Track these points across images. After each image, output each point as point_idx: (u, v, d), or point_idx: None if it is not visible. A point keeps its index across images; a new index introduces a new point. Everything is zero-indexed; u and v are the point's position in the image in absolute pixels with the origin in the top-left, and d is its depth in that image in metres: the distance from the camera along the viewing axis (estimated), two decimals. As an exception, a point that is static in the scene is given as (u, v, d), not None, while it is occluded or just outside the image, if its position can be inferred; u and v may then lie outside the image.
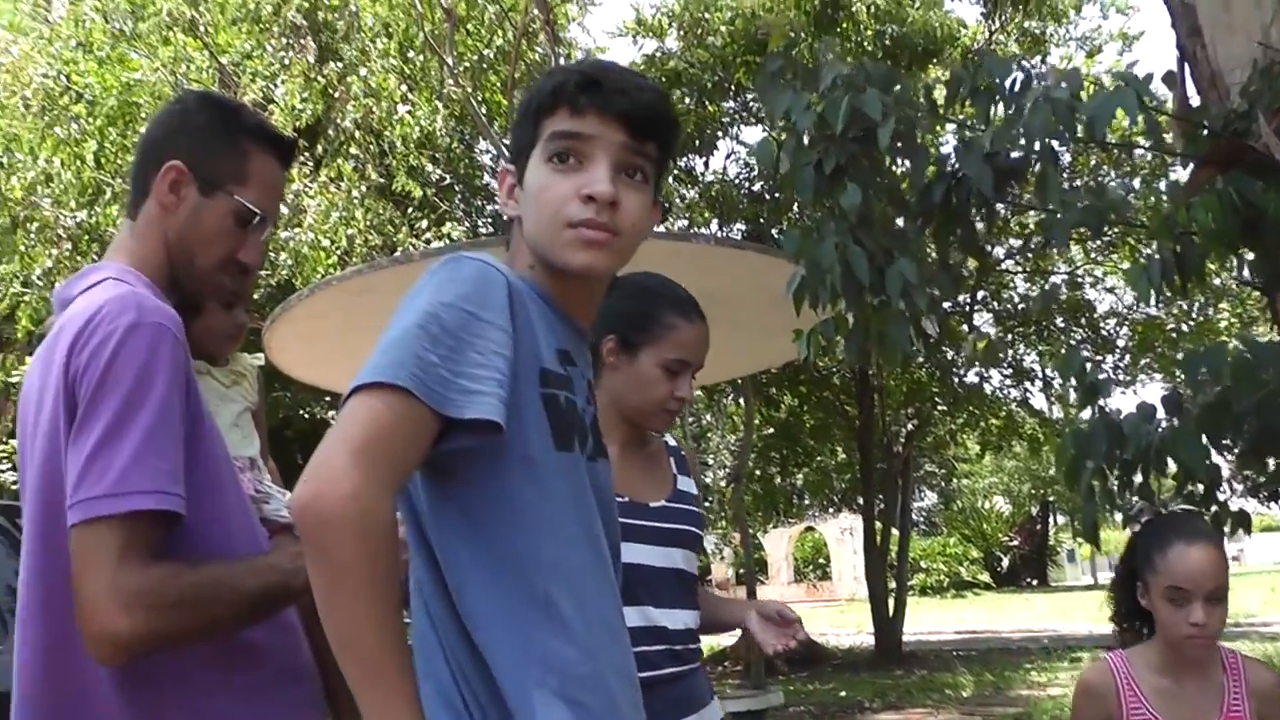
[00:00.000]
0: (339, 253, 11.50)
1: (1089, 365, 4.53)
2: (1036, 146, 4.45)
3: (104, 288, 1.86)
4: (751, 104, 16.93)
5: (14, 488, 13.91)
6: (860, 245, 4.88)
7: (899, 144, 4.88)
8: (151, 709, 1.78)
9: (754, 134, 19.10)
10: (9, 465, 13.97)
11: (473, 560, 1.55)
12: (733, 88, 16.31)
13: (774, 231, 16.50)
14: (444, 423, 1.48)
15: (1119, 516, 4.48)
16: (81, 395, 1.73)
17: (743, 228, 16.78)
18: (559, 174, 1.66)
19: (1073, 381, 4.52)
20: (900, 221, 5.38)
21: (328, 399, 14.87)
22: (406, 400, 1.44)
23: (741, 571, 42.71)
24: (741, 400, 20.18)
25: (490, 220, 18.90)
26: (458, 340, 1.50)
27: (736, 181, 17.33)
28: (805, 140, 4.89)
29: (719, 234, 15.06)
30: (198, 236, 1.98)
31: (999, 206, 5.45)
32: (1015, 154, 4.61)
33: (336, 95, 12.21)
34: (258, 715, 1.86)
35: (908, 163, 5.01)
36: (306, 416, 15.33)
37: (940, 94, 4.91)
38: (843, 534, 39.69)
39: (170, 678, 1.78)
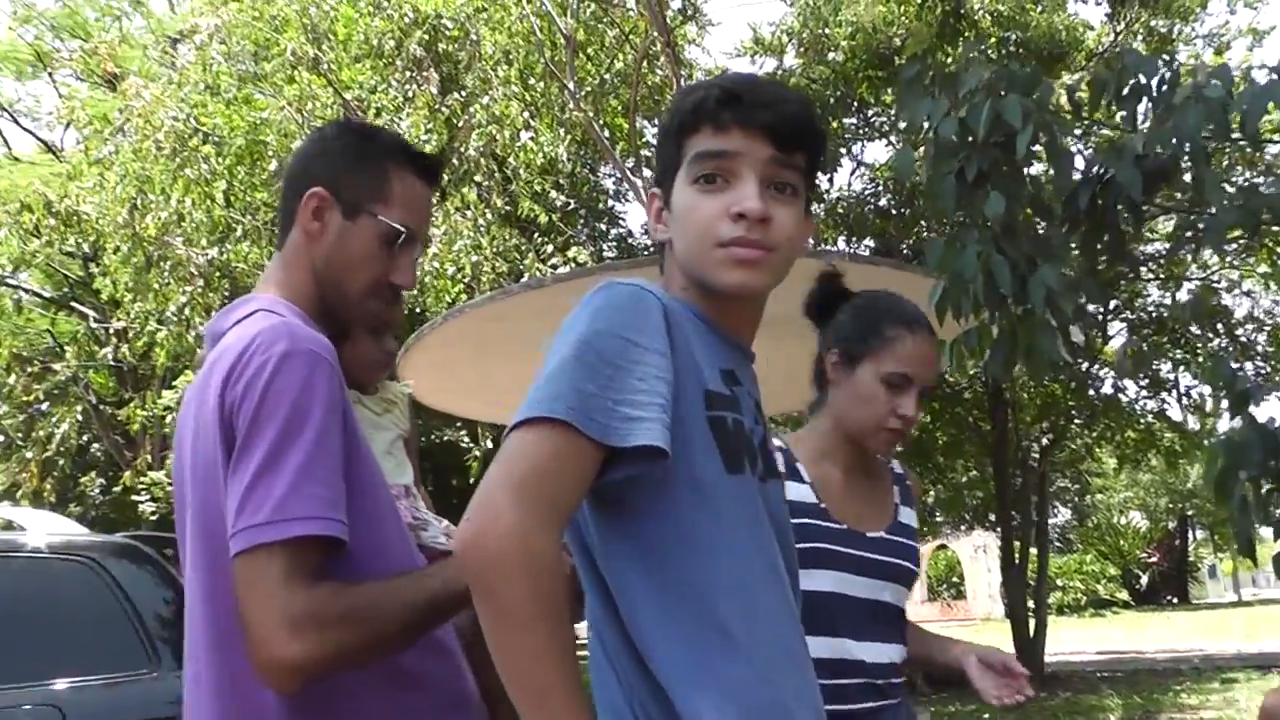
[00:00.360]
0: (465, 280, 11.74)
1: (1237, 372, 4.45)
2: (1187, 147, 4.39)
3: (255, 319, 1.89)
4: (874, 119, 16.91)
5: (152, 518, 14.43)
6: (1003, 254, 4.87)
7: (1040, 149, 4.87)
8: None
9: (876, 150, 19.02)
10: (149, 498, 14.46)
11: (645, 588, 1.54)
12: (855, 103, 16.30)
13: (903, 247, 16.41)
14: (608, 453, 1.47)
15: (1268, 531, 4.38)
16: (239, 426, 1.76)
17: (870, 244, 16.72)
18: (706, 194, 1.66)
19: (1221, 389, 4.45)
20: (1044, 228, 5.36)
21: (460, 426, 15.15)
22: (567, 433, 1.45)
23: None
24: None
25: (615, 244, 19.11)
26: (616, 368, 1.50)
27: (863, 197, 17.29)
28: (945, 148, 4.91)
29: (848, 250, 15.04)
30: (344, 261, 2.00)
31: (1145, 210, 5.39)
32: (1163, 155, 4.57)
33: (460, 125, 12.51)
34: None
35: (1050, 168, 5.00)
36: (439, 442, 15.64)
37: (1083, 96, 4.86)
38: (976, 552, 39.07)
39: (340, 706, 1.79)
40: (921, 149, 5.10)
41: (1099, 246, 5.28)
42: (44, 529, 5.26)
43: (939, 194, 4.95)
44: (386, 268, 2.00)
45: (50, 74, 20.41)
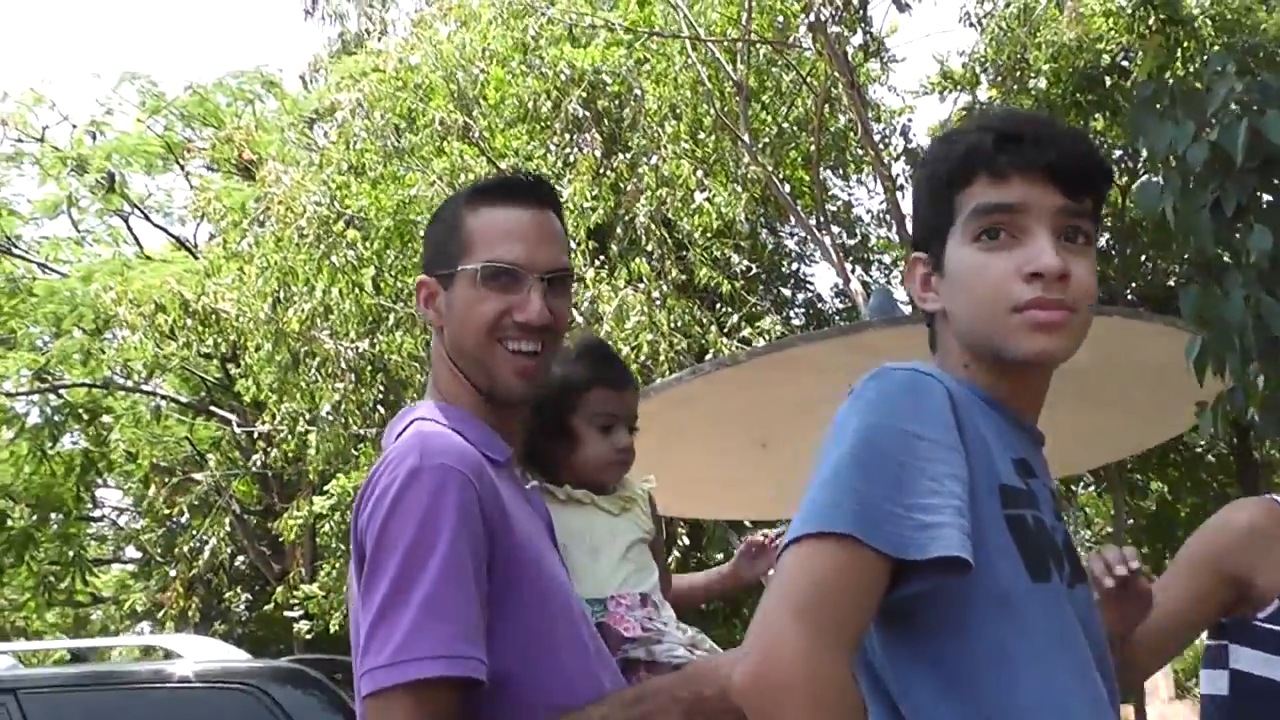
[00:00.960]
0: (642, 361, 11.87)
1: None
2: None
3: (407, 434, 1.99)
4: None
5: (307, 636, 14.81)
6: (1274, 296, 4.73)
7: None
8: None
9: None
10: (302, 614, 14.85)
11: (944, 711, 1.51)
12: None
13: (1126, 293, 16.06)
14: (898, 565, 1.44)
15: None
16: (368, 554, 1.85)
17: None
18: (991, 253, 1.61)
19: None
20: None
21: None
22: (851, 547, 1.42)
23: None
24: (1101, 490, 19.53)
25: (803, 311, 19.12)
26: (901, 467, 1.46)
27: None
28: (1197, 177, 4.81)
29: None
30: (460, 329, 2.08)
31: None
32: None
33: (627, 188, 12.72)
34: None
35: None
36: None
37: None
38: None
39: None
40: (1165, 178, 5.00)
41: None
42: (200, 655, 5.44)
43: (1193, 230, 4.85)
44: (498, 310, 2.05)
45: (181, 165, 21.41)
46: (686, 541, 15.21)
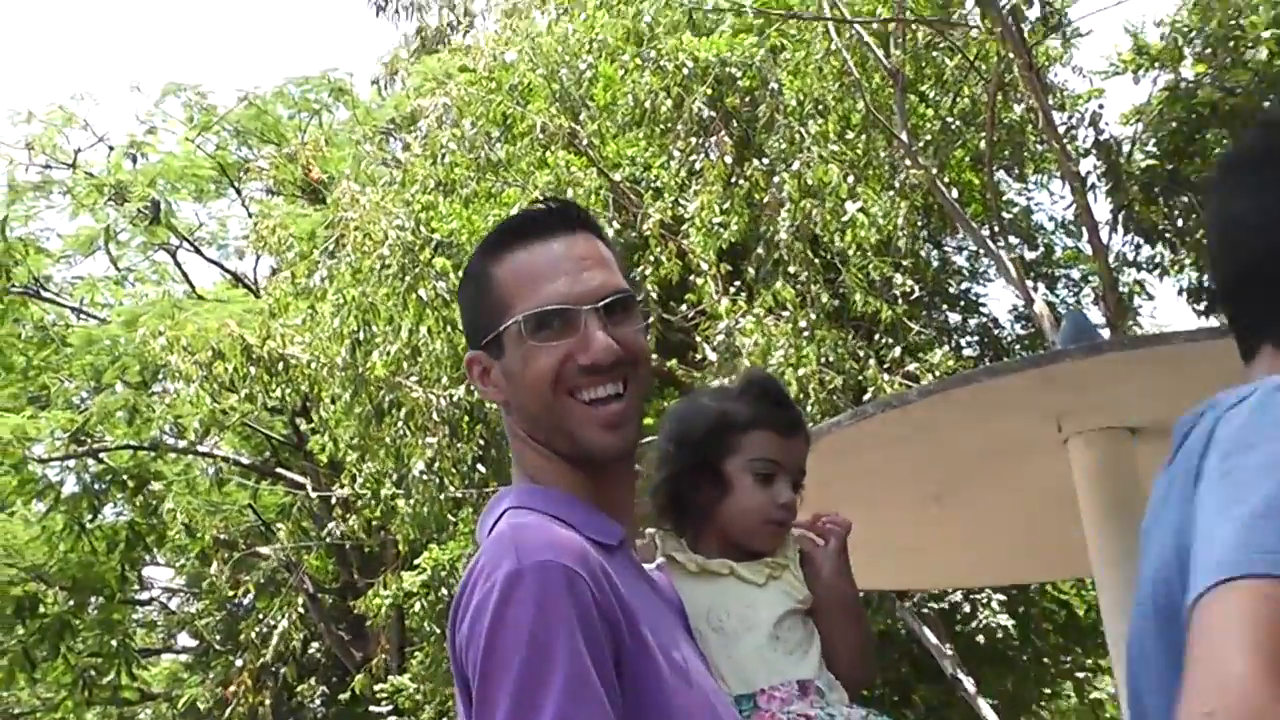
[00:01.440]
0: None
1: None
2: None
3: (498, 529, 2.09)
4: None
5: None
6: None
7: None
8: None
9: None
10: (390, 708, 15.01)
11: None
12: (1282, 117, 15.84)
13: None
14: None
15: None
16: (472, 680, 1.92)
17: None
18: None
19: None
20: None
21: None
22: None
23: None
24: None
25: (978, 338, 18.94)
26: None
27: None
28: None
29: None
30: (523, 395, 2.18)
31: None
32: None
33: (764, 200, 12.74)
34: None
35: None
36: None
37: None
38: None
39: None
40: None
41: None
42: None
43: None
44: (557, 360, 2.14)
45: (237, 190, 21.85)
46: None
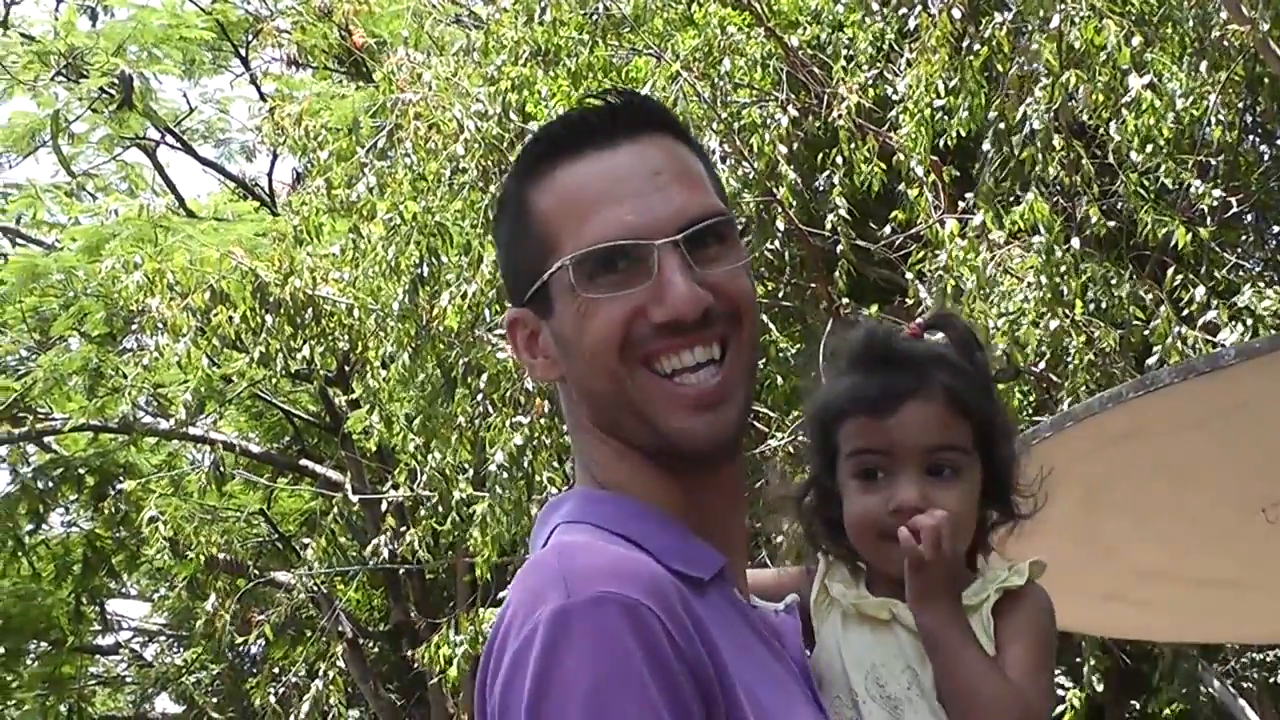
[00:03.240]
0: (1039, 365, 11.79)
1: None
2: None
3: (542, 552, 2.22)
4: None
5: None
6: None
7: None
8: None
9: None
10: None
11: None
12: None
13: None
14: None
15: None
16: None
17: None
18: None
19: None
20: None
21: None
22: None
23: None
24: None
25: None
26: None
27: None
28: None
29: None
30: (580, 367, 2.30)
31: None
32: None
33: (1007, 74, 12.66)
34: None
35: None
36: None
37: None
38: None
39: None
40: None
41: None
42: None
43: None
44: (623, 316, 2.24)
45: (244, 60, 21.95)
46: (1101, 684, 14.95)
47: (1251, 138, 16.64)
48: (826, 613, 2.51)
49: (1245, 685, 16.13)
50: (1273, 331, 11.87)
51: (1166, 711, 17.19)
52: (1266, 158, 17.13)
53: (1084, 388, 11.23)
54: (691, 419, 2.18)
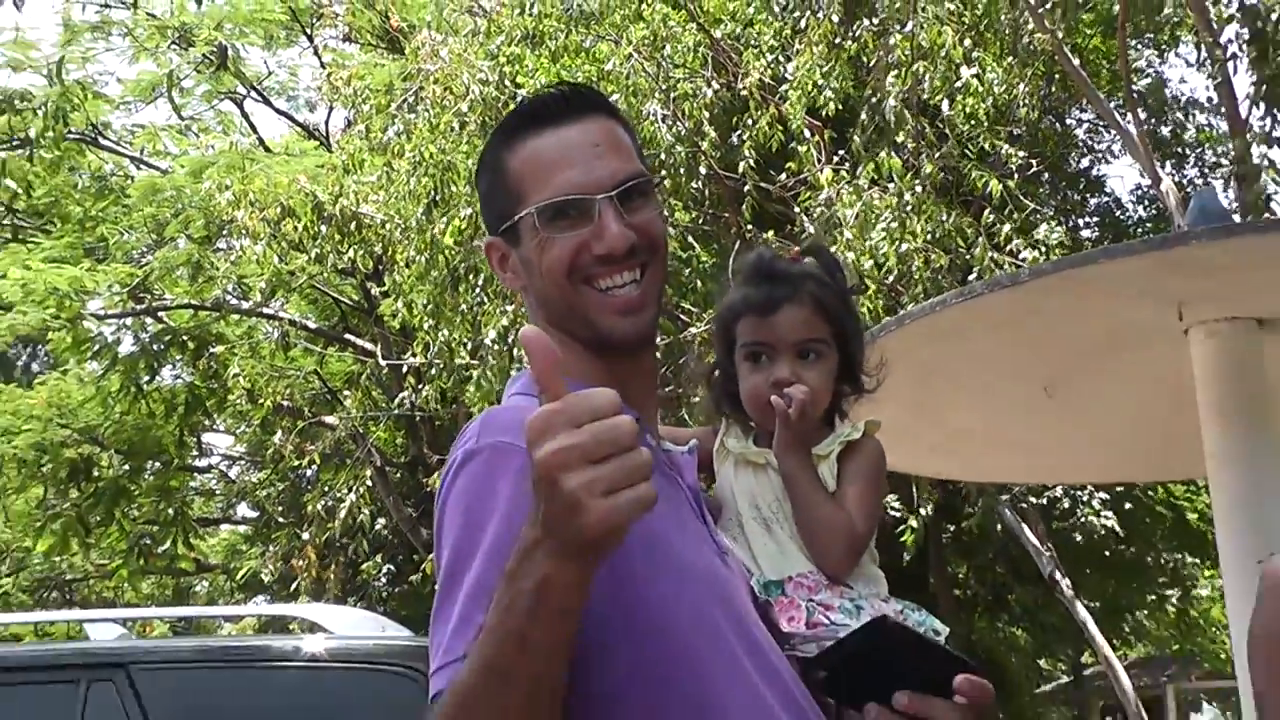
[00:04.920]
0: (889, 281, 11.93)
1: None
2: None
3: (485, 410, 2.28)
4: None
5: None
6: None
7: None
8: None
9: None
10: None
11: None
12: None
13: None
14: None
15: None
16: None
17: None
18: None
19: None
20: None
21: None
22: None
23: None
24: None
25: (1097, 219, 18.81)
26: None
27: None
28: None
29: None
30: (541, 283, 2.30)
31: None
32: None
33: (871, 64, 12.71)
34: None
35: None
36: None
37: None
38: None
39: None
40: None
41: None
42: (349, 630, 5.71)
43: None
44: (572, 249, 2.25)
45: (309, 37, 21.84)
46: (930, 510, 15.17)
47: (1049, 117, 16.78)
48: (723, 459, 2.55)
49: (1023, 508, 16.22)
50: (1057, 256, 11.99)
51: (975, 529, 17.31)
52: (1059, 131, 17.24)
53: (921, 295, 11.31)
54: (619, 320, 2.26)
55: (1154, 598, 27.67)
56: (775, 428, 2.46)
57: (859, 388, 2.60)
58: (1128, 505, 19.44)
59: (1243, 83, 14.97)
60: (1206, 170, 18.52)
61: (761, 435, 2.53)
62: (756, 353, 2.51)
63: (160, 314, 20.71)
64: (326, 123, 22.48)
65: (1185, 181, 17.05)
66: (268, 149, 21.16)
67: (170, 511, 22.19)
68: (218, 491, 28.15)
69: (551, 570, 1.78)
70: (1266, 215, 14.02)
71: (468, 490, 2.07)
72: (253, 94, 22.79)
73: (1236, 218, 12.06)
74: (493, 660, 1.83)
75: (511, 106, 13.32)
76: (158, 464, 22.30)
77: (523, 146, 2.28)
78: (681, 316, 14.11)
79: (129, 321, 20.74)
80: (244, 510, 27.87)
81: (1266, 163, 15.55)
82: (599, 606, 1.97)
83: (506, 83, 13.77)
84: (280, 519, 23.36)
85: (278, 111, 23.29)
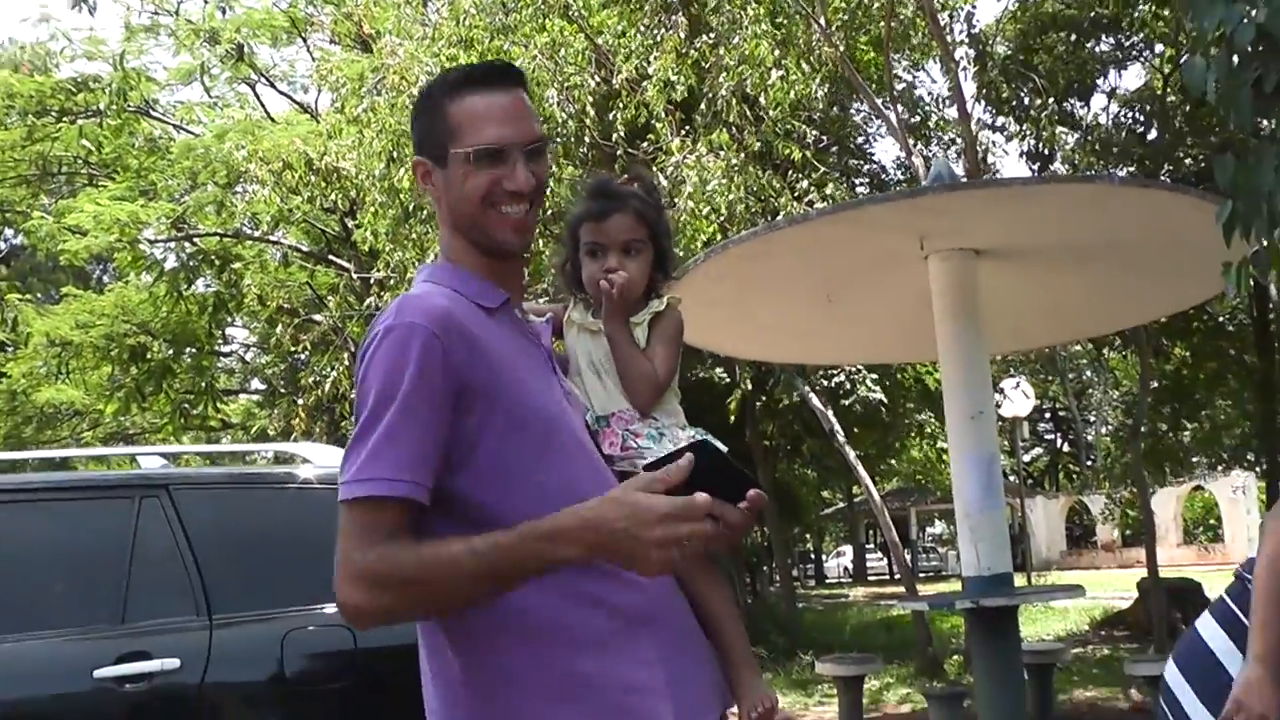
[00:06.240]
0: (720, 220, 11.97)
1: None
2: None
3: (402, 295, 2.20)
4: (1127, 42, 16.37)
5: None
6: (1306, 166, 4.75)
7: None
8: (484, 649, 2.07)
9: (1134, 75, 18.27)
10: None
11: None
12: (1109, 25, 15.82)
13: (1161, 174, 15.88)
14: None
15: None
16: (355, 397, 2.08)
17: (1129, 172, 16.24)
18: None
19: None
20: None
21: (717, 364, 15.45)
22: None
23: (1128, 534, 41.34)
24: (1128, 353, 19.49)
25: (868, 181, 19.00)
26: None
27: (1120, 123, 16.79)
28: (1243, 56, 4.81)
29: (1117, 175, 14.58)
30: (458, 199, 2.22)
31: None
32: None
33: (709, 67, 12.68)
34: (606, 668, 2.08)
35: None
36: (695, 380, 15.95)
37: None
38: (1235, 493, 37.59)
39: (510, 623, 2.05)
40: (1210, 58, 4.98)
41: None
42: (328, 462, 5.69)
43: (1234, 106, 4.86)
44: (489, 182, 2.20)
45: (304, 39, 21.47)
46: (748, 384, 15.41)
47: (835, 108, 16.81)
48: (570, 327, 2.51)
49: (816, 387, 16.39)
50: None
51: (779, 397, 17.47)
52: (842, 118, 17.29)
53: (743, 228, 11.32)
54: (512, 235, 2.22)
55: (901, 445, 28.28)
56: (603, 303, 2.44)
57: (668, 275, 2.56)
58: (887, 382, 19.71)
59: (969, 88, 15.20)
60: (944, 147, 18.72)
61: (598, 309, 2.49)
62: (594, 249, 2.48)
63: (195, 239, 20.35)
64: (316, 102, 22.08)
65: (930, 155, 17.16)
66: (273, 120, 20.80)
67: (203, 384, 22.29)
68: (237, 370, 27.94)
69: (575, 557, 1.92)
70: (985, 177, 14.20)
71: (387, 357, 2.02)
72: (263, 80, 22.39)
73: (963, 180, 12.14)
74: (483, 571, 1.92)
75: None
76: (193, 349, 22.13)
77: (462, 99, 2.21)
78: (552, 229, 14.29)
79: (172, 245, 20.47)
80: (256, 384, 27.58)
81: (986, 142, 15.78)
82: (483, 416, 2.05)
83: (445, 75, 13.62)
84: (282, 390, 23.13)
85: (280, 93, 22.86)
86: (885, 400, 19.40)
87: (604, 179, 2.66)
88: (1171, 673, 3.20)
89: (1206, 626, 3.20)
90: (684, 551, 1.87)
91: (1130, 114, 16.99)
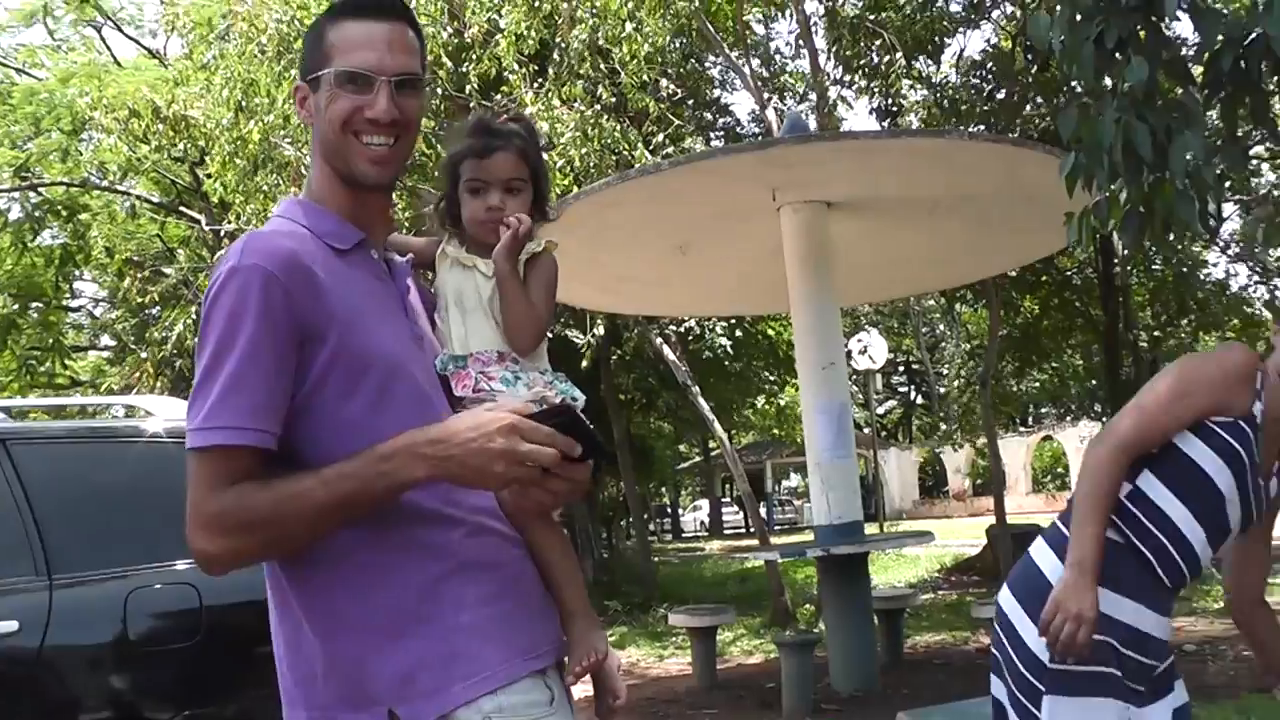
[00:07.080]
0: (574, 173, 11.85)
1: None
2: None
3: (250, 232, 2.11)
4: (976, 1, 16.58)
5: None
6: (1144, 120, 4.82)
7: (1185, 8, 4.79)
8: (322, 593, 2.04)
9: (982, 40, 18.58)
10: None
11: None
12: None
13: (1010, 130, 16.18)
14: None
15: None
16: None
17: (979, 129, 16.50)
18: None
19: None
20: (1183, 94, 5.29)
21: (569, 319, 15.36)
22: None
23: (980, 483, 42.60)
24: (979, 306, 19.92)
25: (723, 133, 18.99)
26: None
27: (968, 82, 17.04)
28: (1085, 13, 4.86)
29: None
30: (323, 124, 2.16)
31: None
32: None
33: (560, 19, 12.48)
34: (433, 609, 2.05)
35: (1194, 33, 4.91)
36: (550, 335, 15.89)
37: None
38: (1082, 442, 39.02)
39: (342, 574, 2.03)
40: (1056, 13, 5.03)
41: (1240, 112, 5.22)
42: (169, 414, 5.49)
43: (1077, 60, 4.91)
44: (351, 107, 2.13)
45: (153, -19, 20.73)
46: (601, 332, 15.39)
47: (691, 60, 16.76)
48: (443, 261, 2.40)
49: (667, 335, 16.44)
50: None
51: (632, 349, 17.45)
52: (698, 71, 17.27)
53: (598, 179, 11.24)
54: (370, 167, 2.14)
55: (755, 400, 28.53)
56: (502, 239, 2.33)
57: (545, 216, 2.46)
58: (739, 333, 19.80)
59: (820, 42, 15.27)
60: (796, 101, 18.80)
61: (472, 245, 2.39)
62: (476, 186, 2.38)
63: (40, 189, 19.60)
64: (164, 48, 21.33)
65: (784, 108, 17.19)
66: (120, 66, 19.99)
67: (50, 340, 21.77)
68: (85, 326, 27.09)
69: (422, 475, 1.95)
70: (835, 130, 14.32)
71: (229, 301, 1.95)
72: (109, 23, 21.62)
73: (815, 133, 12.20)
74: (335, 499, 1.93)
75: (299, 42, 12.84)
76: (40, 304, 21.39)
77: (342, 25, 2.14)
78: (421, 195, 13.92)
79: (16, 194, 19.68)
80: (106, 340, 26.75)
81: (835, 97, 15.88)
82: (325, 363, 2.02)
83: (296, 22, 13.12)
84: (131, 345, 22.46)
85: (128, 37, 22.00)
86: (733, 351, 19.52)
87: (486, 116, 2.55)
88: (1005, 596, 3.26)
89: (1038, 550, 3.26)
90: (522, 474, 1.96)
91: (979, 73, 17.25)
